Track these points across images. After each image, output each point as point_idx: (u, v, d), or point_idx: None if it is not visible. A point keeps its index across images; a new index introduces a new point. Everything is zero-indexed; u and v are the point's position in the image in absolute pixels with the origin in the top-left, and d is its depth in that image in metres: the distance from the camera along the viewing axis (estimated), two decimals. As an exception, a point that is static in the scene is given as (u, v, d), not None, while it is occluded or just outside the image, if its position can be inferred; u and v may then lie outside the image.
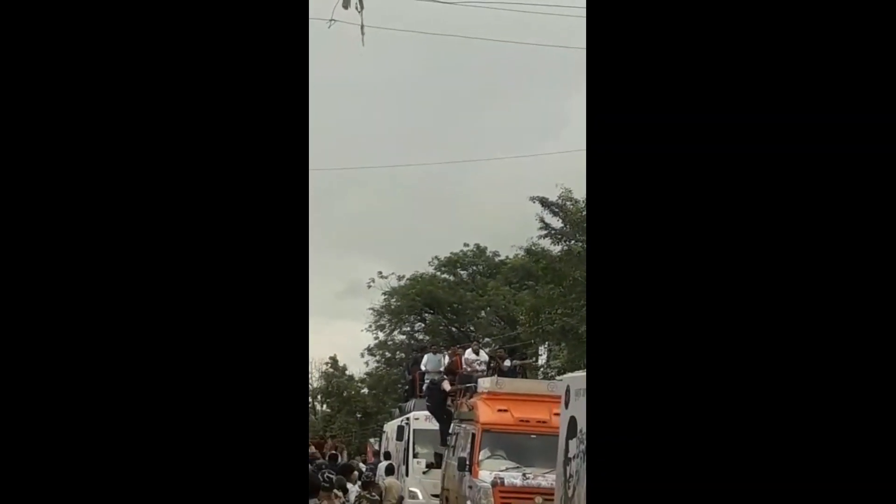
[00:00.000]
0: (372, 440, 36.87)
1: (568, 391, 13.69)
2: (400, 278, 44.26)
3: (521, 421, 17.47)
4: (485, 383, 19.16)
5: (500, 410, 17.66)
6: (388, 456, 24.97)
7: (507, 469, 17.05)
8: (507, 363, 21.21)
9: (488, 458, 17.33)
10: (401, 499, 21.70)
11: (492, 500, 16.59)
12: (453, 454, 19.20)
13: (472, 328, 41.24)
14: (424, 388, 23.63)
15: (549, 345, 33.83)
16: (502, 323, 40.11)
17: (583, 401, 12.36)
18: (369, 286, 44.31)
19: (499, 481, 16.78)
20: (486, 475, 16.96)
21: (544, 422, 17.37)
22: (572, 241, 28.76)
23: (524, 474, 16.84)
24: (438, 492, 20.90)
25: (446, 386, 21.21)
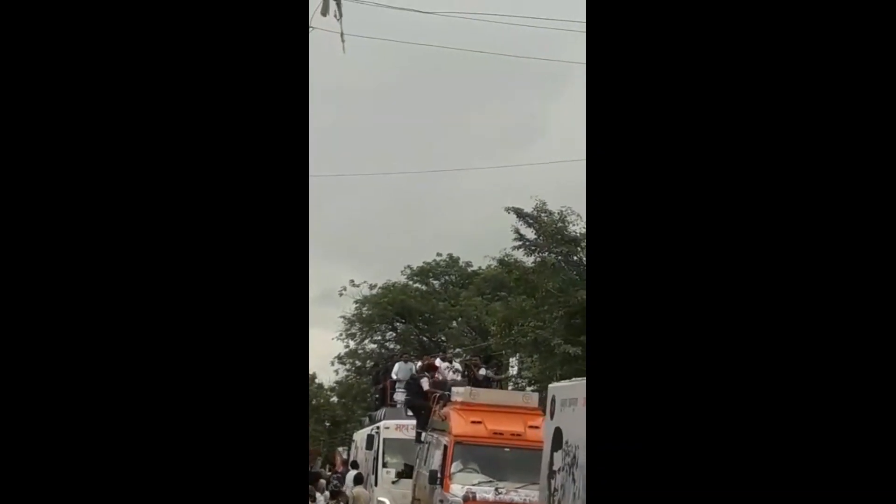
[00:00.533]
0: (340, 449, 36.44)
1: (553, 401, 13.06)
2: (372, 287, 44.02)
3: (495, 433, 16.75)
4: (458, 392, 18.34)
5: (473, 422, 16.90)
6: (356, 465, 24.43)
7: (479, 483, 16.29)
8: (483, 371, 20.36)
9: (460, 471, 16.54)
10: None
11: (463, 515, 15.84)
12: (424, 463, 18.40)
13: (443, 338, 40.96)
14: (402, 387, 23.00)
15: (520, 356, 33.15)
16: (474, 333, 39.60)
17: (568, 411, 11.99)
18: (341, 294, 44.12)
19: (470, 496, 16.02)
20: (457, 489, 16.17)
21: (519, 434, 16.73)
22: (546, 253, 28.50)
23: (497, 489, 16.07)
24: (408, 502, 20.16)
25: (425, 384, 20.43)
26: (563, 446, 12.25)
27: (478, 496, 15.97)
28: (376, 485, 21.94)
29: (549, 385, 15.10)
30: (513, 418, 17.00)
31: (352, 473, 22.95)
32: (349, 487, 21.20)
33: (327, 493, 19.36)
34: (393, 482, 21.54)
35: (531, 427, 16.69)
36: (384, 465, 22.03)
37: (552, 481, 12.70)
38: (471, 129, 64.21)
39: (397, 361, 25.99)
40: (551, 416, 13.07)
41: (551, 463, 12.77)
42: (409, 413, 22.57)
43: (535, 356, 29.99)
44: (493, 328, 34.69)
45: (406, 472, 20.43)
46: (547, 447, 13.10)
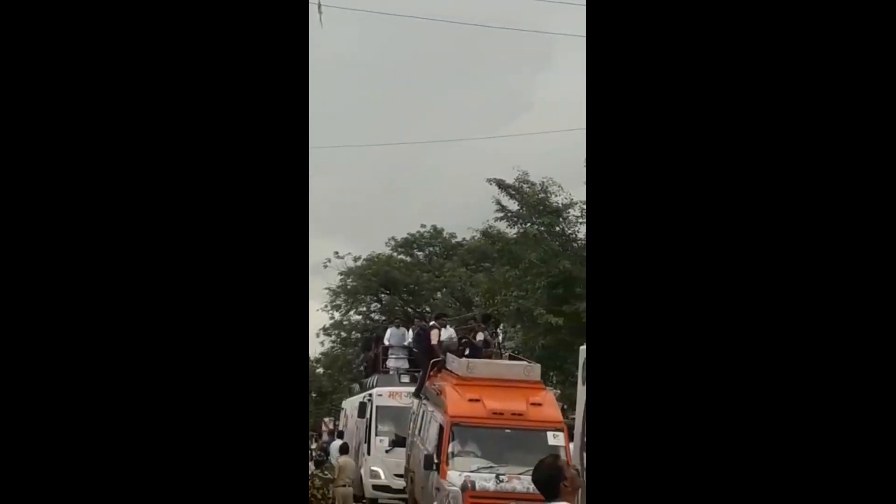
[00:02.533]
0: (326, 419, 35.69)
1: (585, 365, 10.99)
2: (356, 259, 42.61)
3: (495, 413, 14.35)
4: (454, 363, 15.87)
5: (471, 400, 14.49)
6: (341, 435, 22.80)
7: (478, 469, 13.84)
8: (480, 336, 17.83)
9: (458, 454, 14.06)
10: (358, 479, 19.47)
11: (462, 506, 13.43)
12: (418, 433, 15.98)
13: (427, 309, 39.50)
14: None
15: (504, 326, 32.21)
16: (458, 304, 38.51)
17: None
18: (325, 266, 42.56)
19: (469, 485, 13.60)
20: (455, 477, 13.73)
21: (520, 414, 14.37)
22: (528, 224, 27.84)
23: (498, 476, 13.65)
24: (402, 471, 18.13)
25: (434, 337, 17.90)
26: None
27: (477, 486, 13.56)
28: (369, 454, 20.18)
29: (580, 347, 13.16)
30: (513, 394, 14.63)
31: (337, 443, 21.20)
32: (334, 457, 19.35)
33: (311, 463, 17.08)
34: (386, 451, 19.78)
35: (533, 405, 14.35)
36: (377, 434, 20.24)
37: (584, 454, 10.99)
38: (456, 101, 62.64)
39: (389, 327, 24.24)
40: (583, 382, 11.46)
41: (583, 434, 10.99)
42: (404, 380, 20.91)
43: (518, 326, 29.51)
44: (476, 299, 34.20)
45: (399, 441, 18.58)
46: (579, 418, 11.46)
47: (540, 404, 14.25)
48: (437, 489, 13.90)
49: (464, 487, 13.50)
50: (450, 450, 14.04)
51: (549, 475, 4.51)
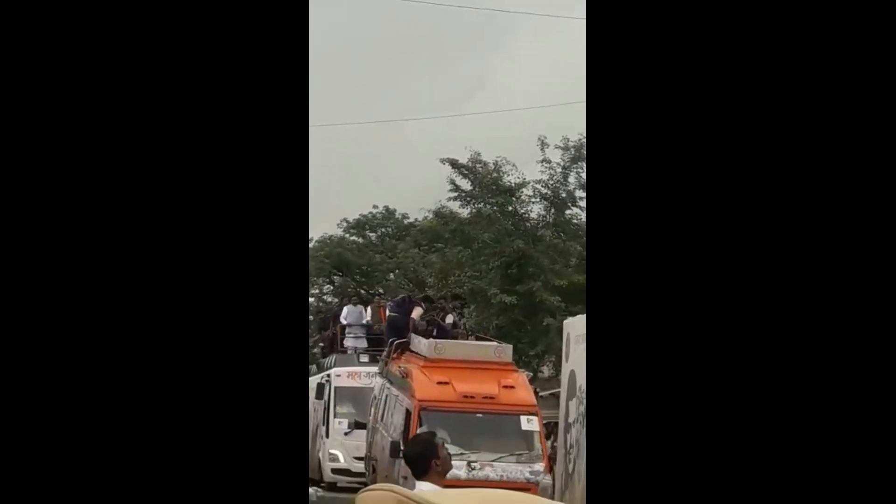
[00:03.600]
0: None
1: (567, 340, 10.05)
2: (308, 240, 40.56)
3: (465, 397, 13.17)
4: (420, 344, 14.63)
5: (439, 383, 13.29)
6: None
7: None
8: (450, 318, 16.56)
9: (426, 441, 12.86)
10: (315, 463, 18.63)
11: (430, 499, 12.18)
12: (381, 420, 14.73)
13: (381, 290, 38.32)
14: (353, 331, 20.70)
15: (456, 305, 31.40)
16: (411, 285, 37.63)
17: (581, 350, 9.78)
18: None
19: (439, 473, 12.31)
20: (423, 464, 12.47)
21: (492, 398, 13.20)
22: (481, 204, 27.35)
23: (469, 464, 12.46)
24: (361, 455, 16.87)
25: (416, 313, 16.58)
26: (577, 393, 9.94)
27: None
28: (327, 436, 19.02)
29: (564, 321, 12.46)
30: (484, 377, 13.46)
31: None
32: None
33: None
34: (346, 433, 18.69)
35: (505, 387, 13.19)
36: (335, 416, 19.12)
37: (567, 436, 10.38)
38: (409, 82, 61.36)
39: (345, 305, 22.94)
40: (566, 358, 10.83)
41: (567, 414, 10.40)
42: (363, 359, 19.90)
43: (472, 306, 28.91)
44: (430, 280, 33.77)
45: (360, 424, 17.48)
46: (563, 396, 10.77)
47: (512, 387, 13.10)
48: (405, 478, 12.67)
49: (433, 477, 12.32)
50: (417, 436, 12.87)
51: (420, 451, 4.33)
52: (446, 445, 4.74)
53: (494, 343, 15.21)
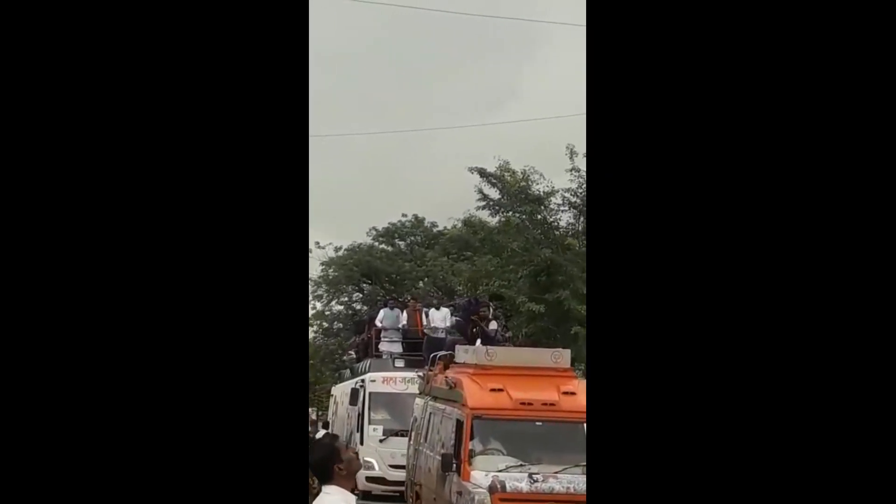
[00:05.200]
0: (309, 410, 32.54)
1: None
2: (337, 249, 40.28)
3: (523, 404, 11.76)
4: (467, 353, 13.31)
5: (493, 390, 11.92)
6: (327, 426, 20.72)
7: (506, 468, 11.29)
8: (493, 325, 15.25)
9: (481, 452, 11.51)
10: None
11: (490, 510, 10.89)
12: (425, 440, 13.38)
13: (410, 298, 36.53)
14: (388, 335, 19.68)
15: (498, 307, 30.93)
16: (440, 293, 35.95)
17: None
18: None
19: (498, 486, 11.02)
20: (480, 477, 11.16)
21: (552, 404, 11.81)
22: (510, 213, 26.54)
23: (531, 475, 11.10)
24: (397, 463, 15.90)
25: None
26: None
27: (507, 487, 11.00)
28: (362, 443, 17.79)
29: None
30: (542, 383, 12.12)
31: (321, 433, 18.41)
32: (316, 449, 16.71)
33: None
34: (381, 440, 17.62)
35: (566, 393, 11.82)
36: (370, 422, 18.00)
37: None
38: (444, 91, 60.49)
39: (382, 308, 21.72)
40: None
41: None
42: (398, 364, 18.83)
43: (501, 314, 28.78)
44: (459, 288, 32.97)
45: (394, 432, 16.64)
46: None
47: (574, 393, 11.75)
48: (459, 493, 11.34)
49: (492, 489, 10.94)
50: (471, 448, 11.50)
51: (321, 457, 4.21)
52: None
53: (551, 349, 13.82)
